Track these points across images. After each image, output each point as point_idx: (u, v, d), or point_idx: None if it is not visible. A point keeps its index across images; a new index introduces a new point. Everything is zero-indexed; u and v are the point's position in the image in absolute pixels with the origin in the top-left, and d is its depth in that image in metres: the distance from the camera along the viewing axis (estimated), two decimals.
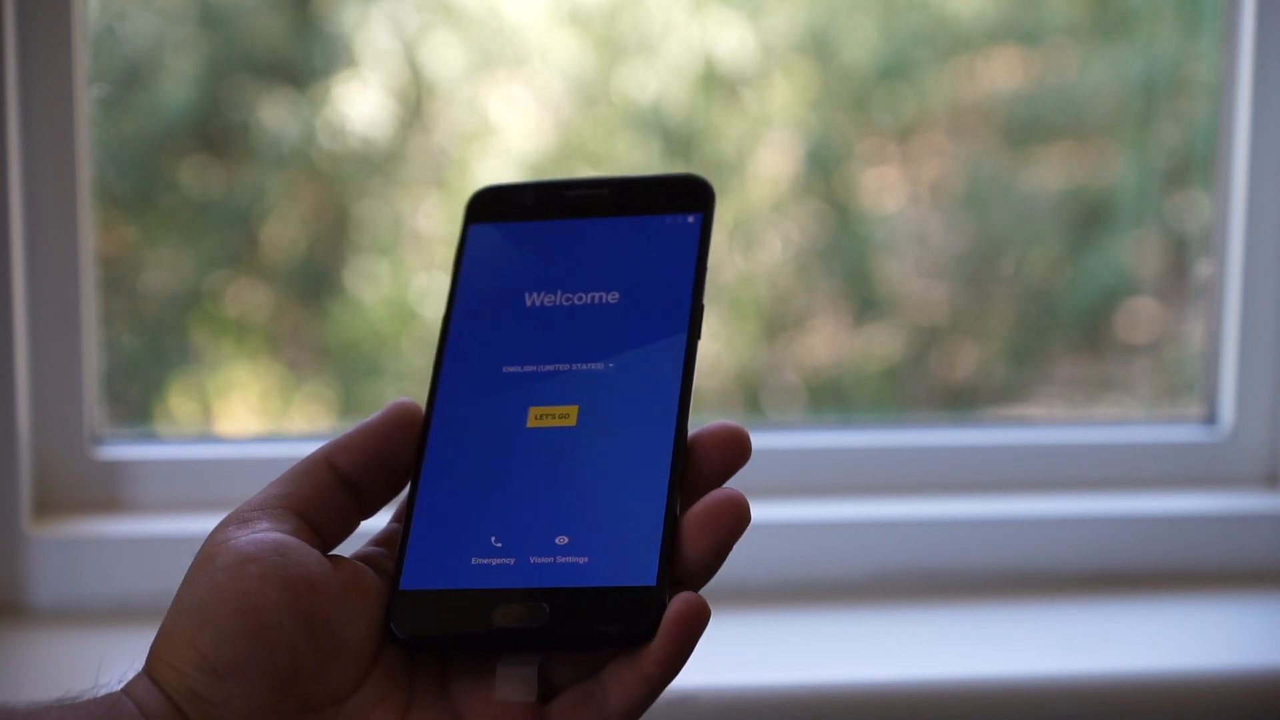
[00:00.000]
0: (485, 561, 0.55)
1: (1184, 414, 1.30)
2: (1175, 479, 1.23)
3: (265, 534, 0.57)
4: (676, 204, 0.58)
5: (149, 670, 0.55)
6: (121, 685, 0.55)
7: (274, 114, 1.40)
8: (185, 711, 0.54)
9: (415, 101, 1.44)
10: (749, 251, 1.47)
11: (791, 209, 1.48)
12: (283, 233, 1.42)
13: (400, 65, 1.42)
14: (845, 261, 1.47)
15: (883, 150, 1.49)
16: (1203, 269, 1.32)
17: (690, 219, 0.58)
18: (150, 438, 1.32)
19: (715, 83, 1.45)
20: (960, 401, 1.50)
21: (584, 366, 0.57)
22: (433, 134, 1.45)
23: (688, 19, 1.45)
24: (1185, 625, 1.11)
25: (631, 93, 1.45)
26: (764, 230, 1.48)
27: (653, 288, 0.57)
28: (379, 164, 1.43)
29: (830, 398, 1.50)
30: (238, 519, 0.58)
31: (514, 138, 1.44)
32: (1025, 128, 1.51)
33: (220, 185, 1.41)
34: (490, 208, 0.60)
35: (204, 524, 1.12)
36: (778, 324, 1.46)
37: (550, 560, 0.54)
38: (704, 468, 0.57)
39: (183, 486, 1.16)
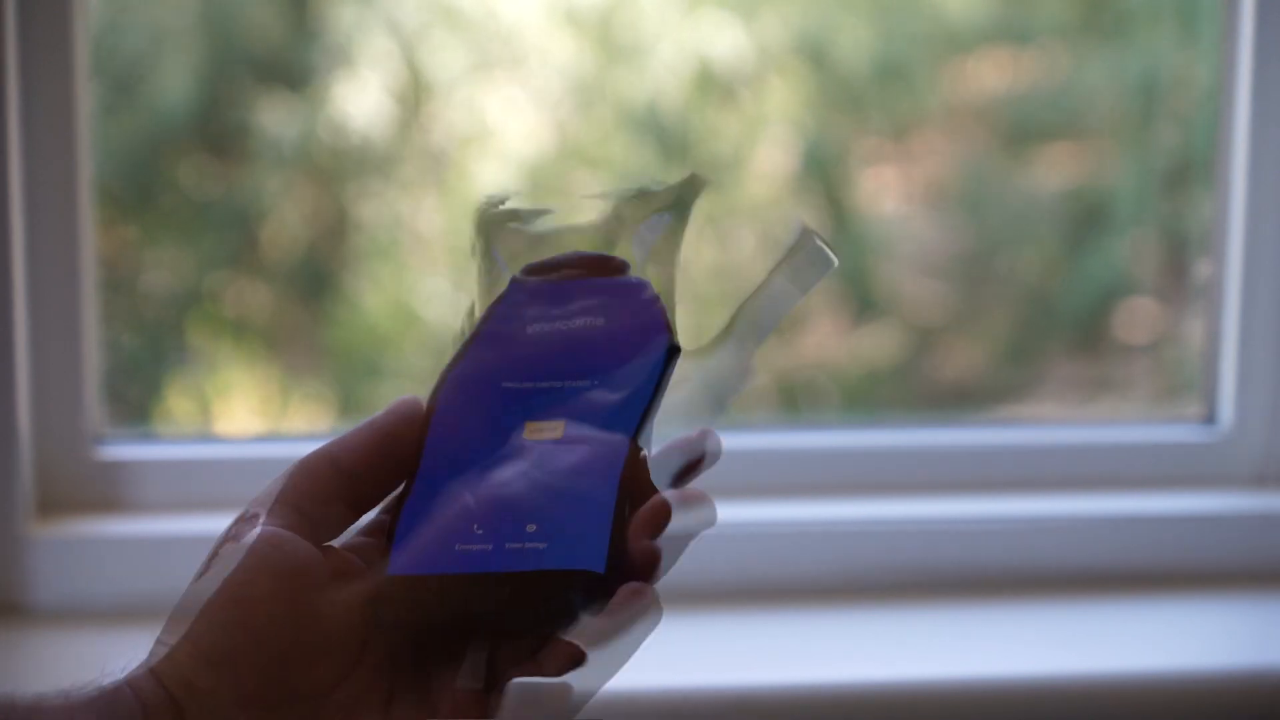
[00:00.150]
0: (468, 548, 0.58)
1: (1183, 414, 1.30)
2: (1174, 479, 1.23)
3: (262, 528, 0.58)
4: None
5: (151, 661, 0.57)
6: (125, 675, 0.57)
7: (273, 114, 1.40)
8: (179, 700, 0.55)
9: (414, 102, 1.44)
10: (747, 251, 1.47)
11: (788, 209, 1.48)
12: (282, 233, 1.42)
13: (399, 66, 1.42)
14: (843, 262, 1.47)
15: (879, 151, 1.49)
16: (1202, 269, 1.32)
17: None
18: (151, 438, 1.32)
19: (711, 84, 1.45)
20: (958, 402, 1.50)
21: (573, 384, 0.62)
22: (431, 135, 1.45)
23: (682, 20, 1.45)
24: (1184, 625, 1.11)
25: (628, 94, 1.46)
26: (761, 230, 1.48)
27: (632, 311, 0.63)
28: (378, 164, 1.43)
29: (828, 398, 1.50)
30: (242, 516, 0.60)
31: (512, 139, 1.44)
32: (1022, 128, 1.51)
33: (220, 185, 1.41)
34: (530, 270, 0.65)
35: (204, 524, 1.13)
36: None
37: (520, 546, 0.58)
38: (667, 468, 0.61)
39: (183, 486, 1.17)
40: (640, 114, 1.46)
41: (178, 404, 1.41)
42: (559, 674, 0.57)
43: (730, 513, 1.18)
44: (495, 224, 0.65)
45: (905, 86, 1.49)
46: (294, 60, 1.43)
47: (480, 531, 0.58)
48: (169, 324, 1.40)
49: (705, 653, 1.07)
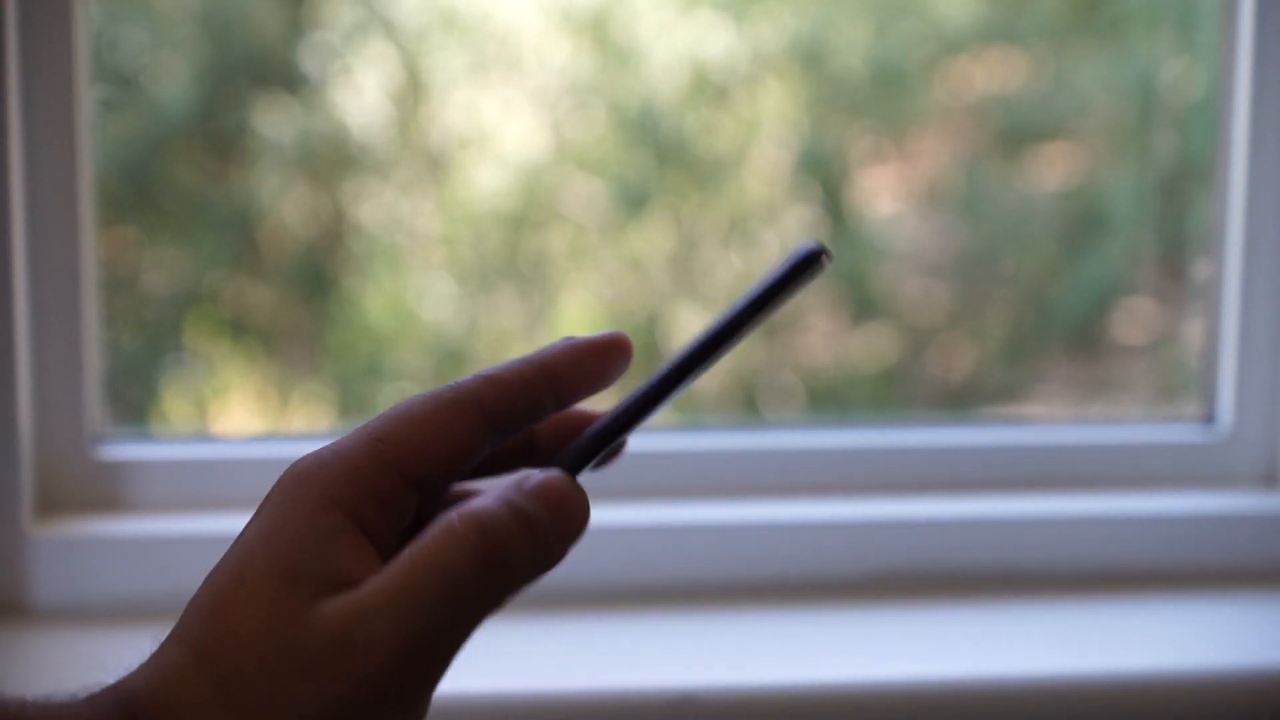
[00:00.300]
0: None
1: (1182, 414, 1.30)
2: (1174, 479, 1.23)
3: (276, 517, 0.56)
4: None
5: (142, 666, 0.54)
6: (115, 679, 0.55)
7: (272, 115, 1.40)
8: (161, 705, 0.53)
9: (412, 103, 1.44)
10: (745, 253, 1.48)
11: (787, 210, 1.48)
12: (281, 233, 1.42)
13: (397, 67, 1.43)
14: (841, 262, 1.47)
15: (877, 152, 1.50)
16: (1201, 268, 1.32)
17: None
18: (151, 437, 1.32)
19: (707, 86, 1.45)
20: (957, 402, 1.50)
21: None
22: (429, 136, 1.45)
23: (679, 23, 1.45)
24: (1184, 625, 1.11)
25: (624, 96, 1.46)
26: (759, 231, 1.48)
27: None
28: (376, 165, 1.43)
29: (827, 398, 1.50)
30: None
31: (509, 141, 1.44)
32: (1019, 129, 1.51)
33: (220, 185, 1.41)
34: None
35: (205, 524, 1.13)
36: (775, 324, 1.47)
37: None
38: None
39: (184, 486, 1.16)
40: (637, 116, 1.46)
41: (177, 404, 1.41)
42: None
43: (729, 512, 1.18)
44: None
45: (902, 88, 1.49)
46: (293, 61, 1.43)
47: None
48: (169, 324, 1.40)
49: (705, 652, 1.07)
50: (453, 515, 0.54)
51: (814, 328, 1.50)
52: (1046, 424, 1.37)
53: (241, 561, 0.54)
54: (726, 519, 1.17)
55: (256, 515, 0.55)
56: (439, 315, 1.45)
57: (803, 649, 1.08)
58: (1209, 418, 1.25)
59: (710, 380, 1.43)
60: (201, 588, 0.55)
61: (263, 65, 1.43)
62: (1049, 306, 1.48)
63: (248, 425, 1.43)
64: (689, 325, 1.41)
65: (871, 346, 1.50)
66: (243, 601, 0.53)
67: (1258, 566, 1.18)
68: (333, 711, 0.52)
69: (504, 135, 1.44)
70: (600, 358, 0.59)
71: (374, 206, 1.43)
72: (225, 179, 1.41)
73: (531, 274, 1.46)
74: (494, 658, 0.99)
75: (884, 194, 1.52)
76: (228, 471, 1.17)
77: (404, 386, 1.43)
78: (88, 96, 1.14)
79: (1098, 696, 1.03)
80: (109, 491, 1.16)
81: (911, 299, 1.51)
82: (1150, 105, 1.46)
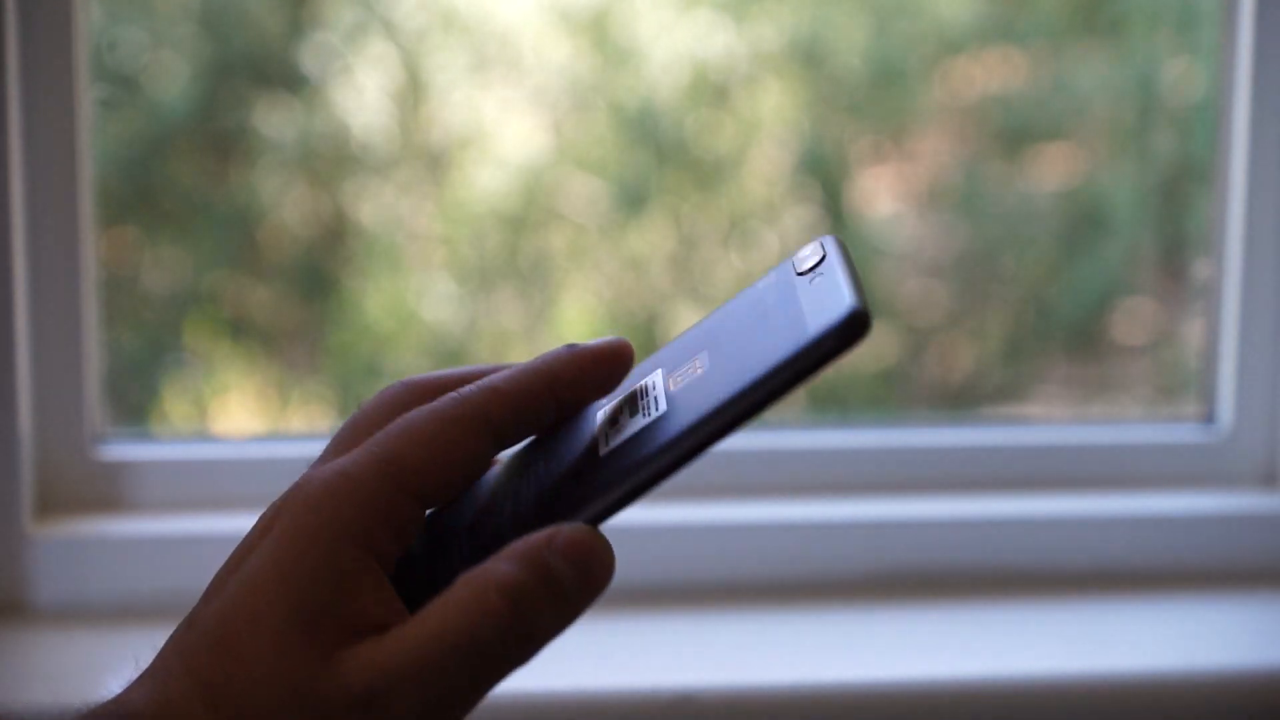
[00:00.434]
0: None
1: (1182, 414, 1.30)
2: (1174, 479, 1.23)
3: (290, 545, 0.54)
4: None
5: (148, 679, 0.53)
6: (119, 690, 0.54)
7: (272, 115, 1.40)
8: None
9: (411, 103, 1.44)
10: (745, 253, 1.48)
11: (786, 210, 1.48)
12: (281, 233, 1.42)
13: (396, 67, 1.43)
14: None
15: (877, 152, 1.50)
16: (1202, 268, 1.32)
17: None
18: (152, 438, 1.32)
19: (708, 86, 1.45)
20: (957, 402, 1.50)
21: None
22: (429, 135, 1.45)
23: (679, 23, 1.45)
24: (1184, 625, 1.11)
25: (624, 96, 1.46)
26: (759, 231, 1.48)
27: None
28: (376, 165, 1.43)
29: (827, 398, 1.50)
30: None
31: (509, 141, 1.44)
32: (1019, 129, 1.51)
33: (220, 186, 1.41)
34: None
35: (205, 524, 1.13)
36: None
37: None
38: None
39: (184, 486, 1.16)
40: (636, 116, 1.46)
41: (177, 404, 1.41)
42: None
43: (729, 512, 1.18)
44: None
45: (901, 87, 1.49)
46: (293, 61, 1.43)
47: None
48: (169, 324, 1.40)
49: (705, 652, 1.07)
50: (488, 583, 0.53)
51: None
52: (1046, 424, 1.37)
53: (254, 595, 0.52)
54: (727, 519, 1.17)
55: (264, 539, 0.54)
56: (439, 315, 1.45)
57: (803, 649, 1.08)
58: (1209, 418, 1.25)
59: None
60: (206, 610, 0.53)
61: (263, 65, 1.43)
62: (1049, 306, 1.48)
63: (248, 425, 1.43)
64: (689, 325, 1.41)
65: (871, 346, 1.50)
66: (256, 639, 0.52)
67: (1258, 566, 1.18)
68: None
69: (504, 135, 1.44)
70: (604, 366, 0.59)
71: (374, 206, 1.43)
72: (225, 179, 1.41)
73: (531, 274, 1.46)
74: None
75: (884, 194, 1.52)
76: (228, 471, 1.17)
77: None
78: (88, 96, 1.14)
79: (1098, 696, 1.03)
80: (109, 491, 1.16)
81: (911, 299, 1.51)
82: (1150, 105, 1.46)
